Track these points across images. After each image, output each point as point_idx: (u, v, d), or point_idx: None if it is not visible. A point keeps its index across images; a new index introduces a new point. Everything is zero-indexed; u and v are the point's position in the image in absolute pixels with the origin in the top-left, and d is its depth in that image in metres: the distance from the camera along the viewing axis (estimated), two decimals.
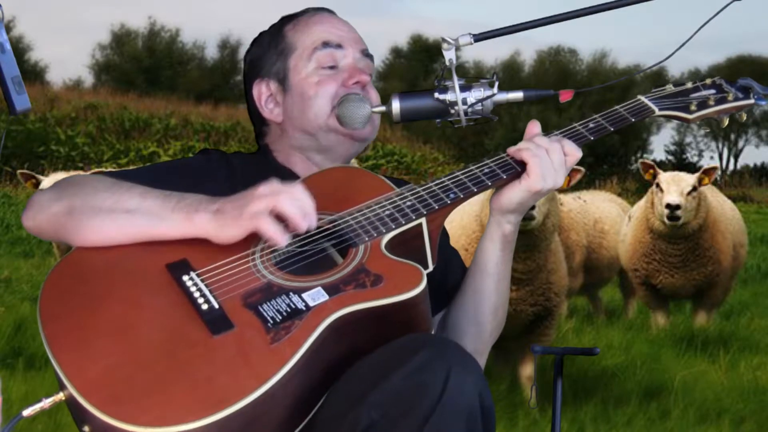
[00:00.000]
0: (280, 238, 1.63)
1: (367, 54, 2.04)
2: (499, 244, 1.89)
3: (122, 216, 1.69)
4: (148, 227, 1.69)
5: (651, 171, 6.76)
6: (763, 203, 26.80)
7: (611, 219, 7.83)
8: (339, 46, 2.00)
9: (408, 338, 1.57)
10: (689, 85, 2.00)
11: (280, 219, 1.65)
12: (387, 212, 1.75)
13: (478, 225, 5.16)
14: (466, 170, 1.83)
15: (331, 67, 1.99)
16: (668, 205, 6.58)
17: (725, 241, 7.08)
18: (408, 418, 1.48)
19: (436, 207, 1.76)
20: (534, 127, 1.87)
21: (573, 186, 4.95)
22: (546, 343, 5.22)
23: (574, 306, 8.72)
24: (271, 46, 2.04)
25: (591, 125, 1.90)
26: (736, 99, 1.98)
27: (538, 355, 2.58)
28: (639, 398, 5.23)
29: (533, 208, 4.84)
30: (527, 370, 5.32)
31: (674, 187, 6.65)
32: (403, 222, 1.73)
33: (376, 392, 1.49)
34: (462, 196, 1.79)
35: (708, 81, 2.00)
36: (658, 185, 6.74)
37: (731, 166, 45.19)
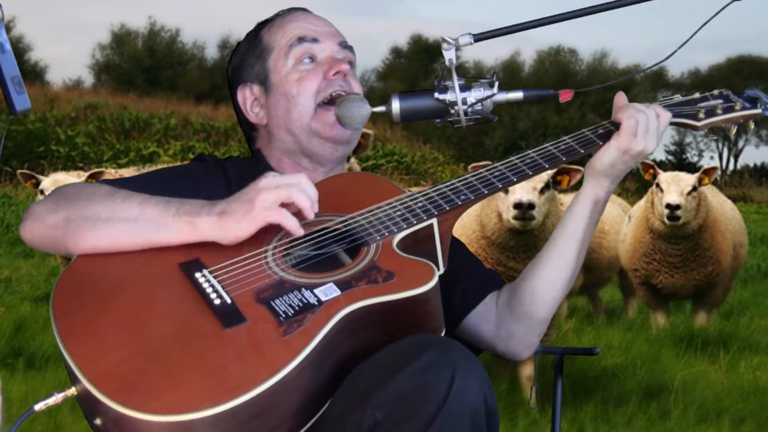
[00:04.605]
0: (299, 230, 1.67)
1: (345, 46, 2.05)
2: (587, 210, 1.94)
3: (121, 225, 1.70)
4: (149, 236, 1.70)
5: (651, 171, 6.75)
6: (763, 203, 26.82)
7: (611, 219, 7.82)
8: (315, 40, 2.01)
9: (413, 339, 1.58)
10: (696, 95, 2.03)
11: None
12: (398, 213, 1.77)
13: (478, 225, 5.15)
14: (476, 174, 1.86)
15: (311, 61, 2.00)
16: (668, 205, 6.58)
17: (725, 241, 7.08)
18: (412, 420, 1.48)
19: (447, 208, 1.79)
20: (622, 98, 1.94)
21: (573, 186, 4.95)
22: (546, 343, 5.22)
23: (574, 306, 8.71)
24: (249, 52, 2.06)
25: (600, 131, 1.93)
26: (744, 108, 2.02)
27: (538, 355, 2.57)
28: (639, 398, 5.23)
29: (534, 207, 4.85)
30: (527, 370, 5.31)
31: (674, 187, 6.65)
32: (414, 222, 1.76)
33: (381, 393, 1.50)
34: (472, 198, 1.82)
35: (715, 92, 2.03)
36: (658, 185, 6.74)
37: (731, 166, 45.25)
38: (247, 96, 2.05)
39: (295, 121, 1.99)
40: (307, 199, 1.67)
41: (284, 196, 1.66)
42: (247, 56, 2.06)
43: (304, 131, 1.99)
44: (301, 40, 2.01)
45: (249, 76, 2.05)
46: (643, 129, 1.87)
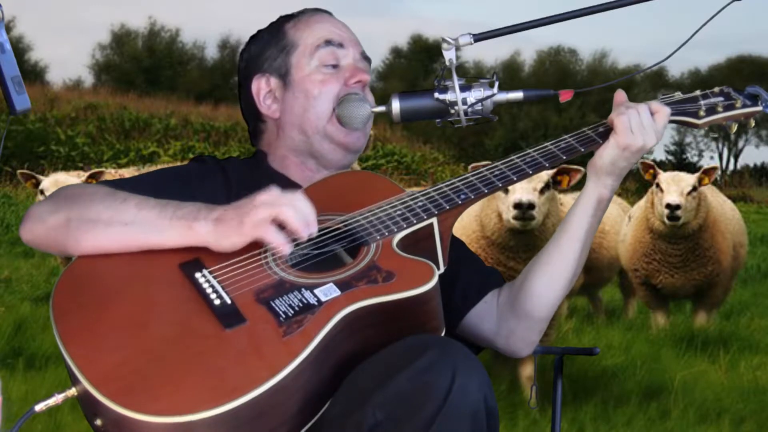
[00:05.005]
0: (285, 247, 1.65)
1: (365, 57, 2.06)
2: (591, 209, 1.94)
3: (120, 228, 1.70)
4: (146, 238, 1.70)
5: (651, 171, 6.75)
6: (763, 203, 26.80)
7: (611, 219, 7.82)
8: (341, 45, 2.02)
9: (414, 339, 1.58)
10: (697, 92, 2.03)
11: (282, 227, 1.66)
12: (398, 212, 1.77)
13: (478, 225, 5.15)
14: (476, 173, 1.86)
15: (333, 66, 2.00)
16: (668, 205, 6.58)
17: (725, 241, 7.08)
18: (413, 420, 1.48)
19: (447, 207, 1.79)
20: (621, 95, 1.93)
21: (573, 186, 4.95)
22: (546, 343, 5.22)
23: (574, 306, 8.71)
24: (272, 43, 2.04)
25: (600, 129, 1.93)
26: (744, 106, 2.01)
27: (538, 355, 2.57)
28: (639, 398, 5.23)
29: (534, 207, 4.85)
30: (527, 370, 5.31)
31: (674, 187, 6.65)
32: (415, 221, 1.76)
33: (382, 393, 1.50)
34: (473, 197, 1.82)
35: (716, 89, 2.03)
36: (658, 185, 6.74)
37: (731, 166, 45.24)
38: (263, 86, 2.04)
39: (311, 121, 1.98)
40: (300, 220, 1.65)
41: (276, 214, 1.64)
42: (268, 47, 2.04)
43: (317, 133, 1.98)
44: (329, 43, 2.00)
45: (269, 68, 2.03)
46: (636, 124, 1.87)
